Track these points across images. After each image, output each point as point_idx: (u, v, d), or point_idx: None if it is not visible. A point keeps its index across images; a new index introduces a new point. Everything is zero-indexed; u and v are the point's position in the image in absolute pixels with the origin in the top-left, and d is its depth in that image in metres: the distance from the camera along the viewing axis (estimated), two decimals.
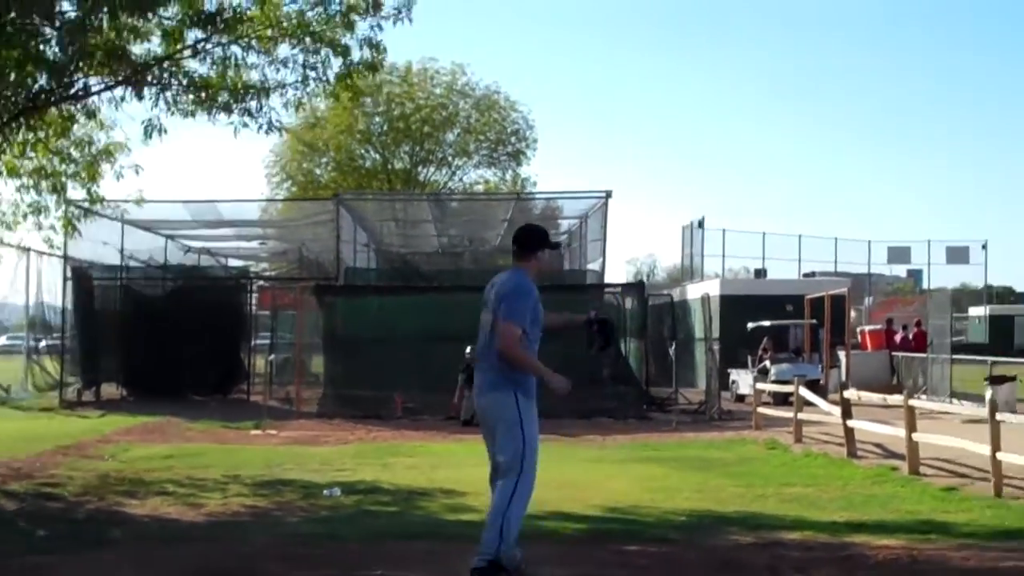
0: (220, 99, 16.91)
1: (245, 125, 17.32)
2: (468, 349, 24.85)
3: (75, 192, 19.50)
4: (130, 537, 11.13)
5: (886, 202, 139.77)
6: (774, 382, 27.23)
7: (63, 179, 19.19)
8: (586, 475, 16.08)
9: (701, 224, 48.78)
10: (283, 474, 16.39)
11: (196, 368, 31.75)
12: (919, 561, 9.35)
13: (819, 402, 19.85)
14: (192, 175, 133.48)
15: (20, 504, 13.48)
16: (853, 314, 54.75)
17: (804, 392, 20.47)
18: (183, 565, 9.19)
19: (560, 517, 12.22)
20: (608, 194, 31.19)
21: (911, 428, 15.62)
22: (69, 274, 32.15)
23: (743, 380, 30.51)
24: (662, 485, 14.91)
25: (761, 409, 23.18)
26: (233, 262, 41.31)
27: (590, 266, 32.81)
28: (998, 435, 13.51)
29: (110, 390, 33.45)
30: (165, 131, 16.94)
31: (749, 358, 31.40)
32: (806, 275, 48.83)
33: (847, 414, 17.87)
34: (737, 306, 35.58)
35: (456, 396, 24.94)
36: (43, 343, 34.94)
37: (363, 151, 53.46)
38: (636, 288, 28.76)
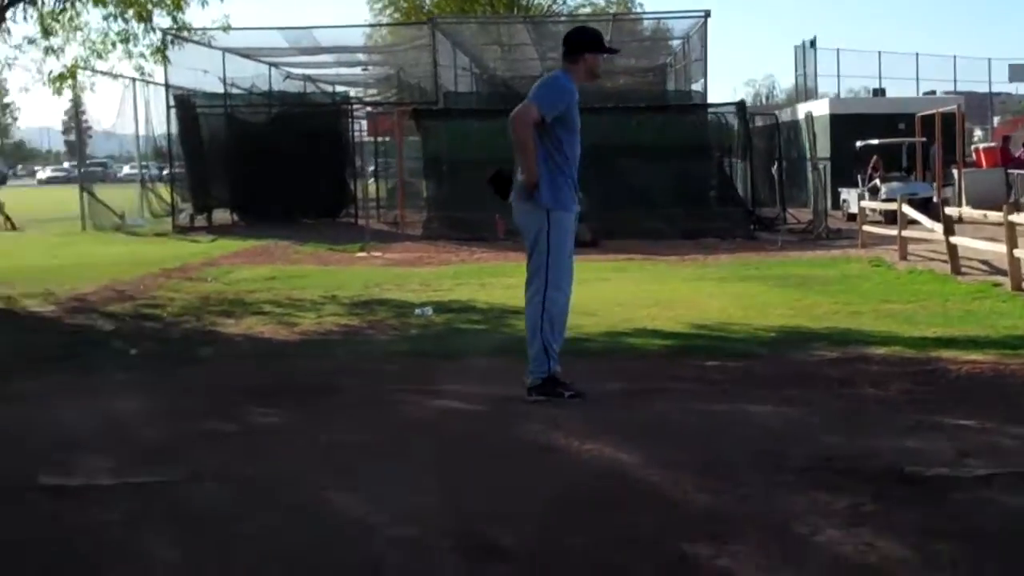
0: None
1: None
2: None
3: (161, 20, 19.57)
4: (219, 355, 11.29)
5: (1006, 18, 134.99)
6: (884, 201, 26.74)
7: (148, 6, 19.23)
8: (682, 293, 15.99)
9: (813, 44, 47.57)
10: (380, 294, 16.50)
11: (304, 193, 32.06)
12: (1003, 376, 9.12)
13: (922, 219, 19.42)
14: (290, 4, 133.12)
15: (119, 324, 13.74)
16: (978, 133, 53.52)
17: (907, 209, 20.04)
18: (259, 380, 9.28)
19: (648, 334, 12.19)
20: (707, 13, 30.47)
21: (1012, 244, 15.22)
22: (172, 102, 32.40)
23: (853, 199, 29.92)
24: (758, 302, 14.77)
25: (868, 228, 22.78)
26: (334, 88, 41.23)
27: (693, 87, 32.23)
28: None
29: (222, 216, 34.01)
30: None
31: (859, 177, 30.81)
32: (926, 94, 47.45)
33: (949, 231, 17.47)
34: (848, 125, 34.79)
35: None
36: (155, 171, 35.59)
37: None
38: (738, 108, 28.15)
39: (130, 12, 19.26)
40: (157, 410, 7.71)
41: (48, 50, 19.70)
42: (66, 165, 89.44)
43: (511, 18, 41.59)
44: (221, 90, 34.54)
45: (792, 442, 6.34)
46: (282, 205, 32.01)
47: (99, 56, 20.14)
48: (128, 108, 33.21)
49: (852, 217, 29.68)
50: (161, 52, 20.50)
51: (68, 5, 18.88)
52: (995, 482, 5.64)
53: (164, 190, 34.24)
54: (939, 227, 17.90)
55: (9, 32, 18.51)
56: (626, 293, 16.07)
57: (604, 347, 11.33)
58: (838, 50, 48.84)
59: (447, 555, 4.84)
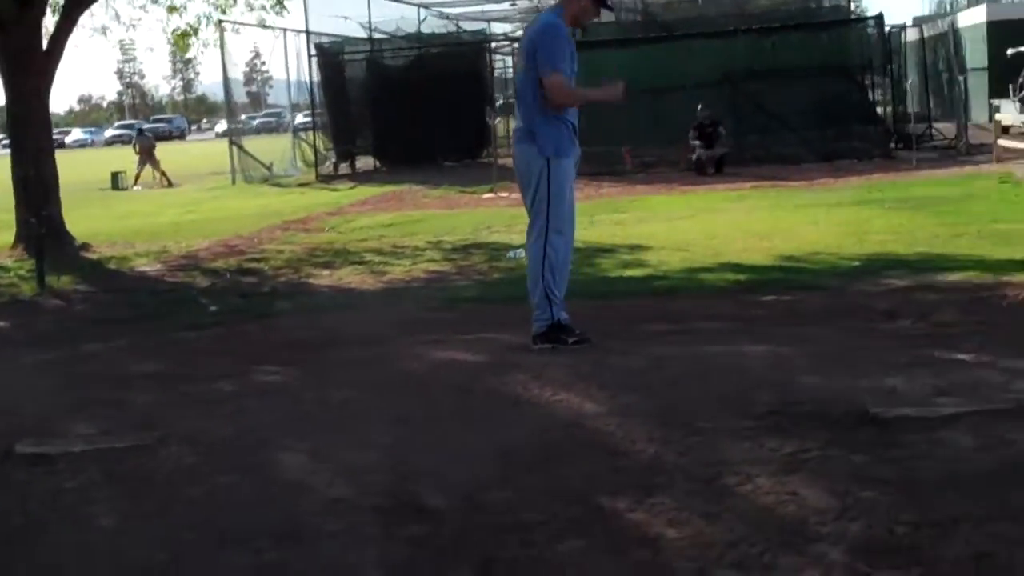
0: None
1: None
2: (699, 107, 24.51)
3: None
4: (293, 309, 11.54)
5: None
6: None
7: None
8: (788, 222, 15.76)
9: None
10: (487, 237, 16.63)
11: (445, 135, 32.26)
12: None
13: None
14: None
15: (215, 280, 14.10)
16: None
17: None
18: (305, 334, 9.45)
19: (728, 268, 12.15)
20: None
21: None
22: (313, 51, 32.87)
23: (1006, 109, 28.82)
24: (860, 229, 14.49)
25: (1004, 142, 22.01)
26: (477, 26, 41.20)
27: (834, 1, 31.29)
28: None
29: (366, 163, 34.50)
30: None
31: (1011, 87, 29.65)
32: None
33: None
34: (1008, 32, 33.37)
35: (684, 150, 24.91)
36: (300, 119, 36.20)
37: None
38: (876, 21, 27.31)
39: None
40: (174, 372, 7.89)
41: (171, 8, 20.18)
42: (243, 117, 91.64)
43: None
44: (365, 35, 34.87)
45: (770, 385, 6.20)
46: (423, 149, 32.31)
47: (222, 11, 20.61)
48: (279, 58, 33.87)
49: (1006, 130, 28.65)
50: (280, 3, 20.79)
51: None
52: (960, 423, 5.44)
53: (315, 138, 34.84)
54: None
55: None
56: (730, 224, 15.92)
57: (671, 284, 11.32)
58: None
59: (366, 515, 4.89)
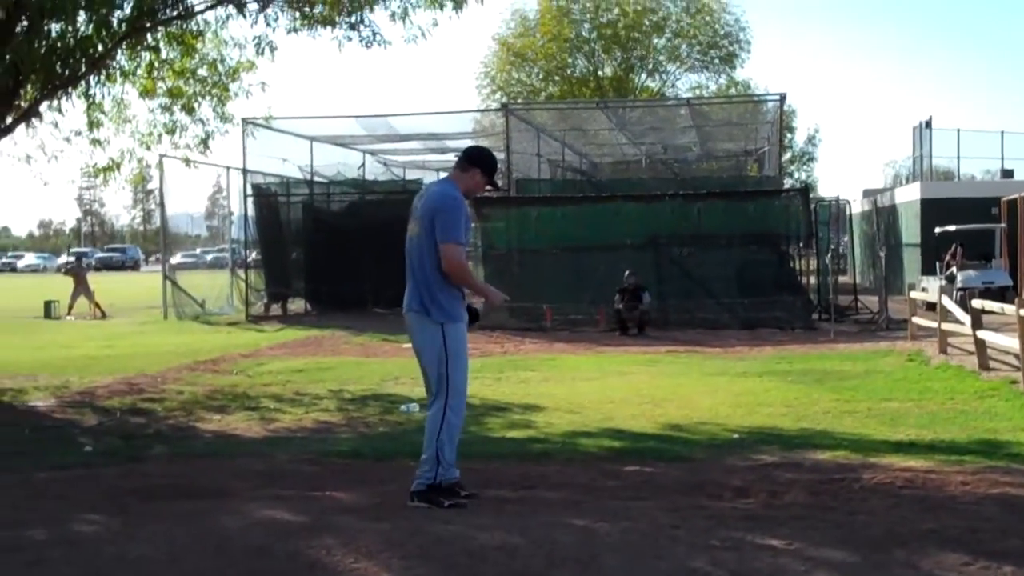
0: (319, 12, 17.14)
1: (349, 39, 17.58)
2: (627, 273, 24.77)
3: (206, 111, 20.03)
4: (165, 455, 11.41)
5: None
6: (959, 290, 26.11)
7: (198, 99, 19.75)
8: (685, 388, 15.81)
9: (928, 124, 46.64)
10: (390, 388, 16.57)
11: (378, 281, 32.30)
12: (907, 487, 8.84)
13: (955, 311, 18.89)
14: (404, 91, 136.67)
15: (103, 419, 13.96)
16: None
17: (946, 302, 19.51)
18: (157, 482, 9.34)
19: (608, 433, 12.20)
20: (782, 97, 30.26)
21: None
22: (249, 191, 33.06)
23: (932, 287, 29.16)
24: (754, 401, 14.51)
25: (919, 320, 22.25)
26: (418, 174, 41.63)
27: (766, 172, 31.95)
28: None
29: (301, 304, 34.53)
30: (275, 48, 17.56)
31: (936, 264, 30.11)
32: None
33: (976, 324, 16.95)
34: (940, 210, 34.00)
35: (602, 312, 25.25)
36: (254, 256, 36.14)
37: (572, 59, 53.19)
38: (801, 193, 27.74)
39: (176, 106, 19.77)
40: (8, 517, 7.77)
41: (94, 142, 20.23)
42: (198, 251, 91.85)
43: (584, 103, 41.69)
44: (304, 177, 35.20)
45: (573, 562, 6.17)
46: (356, 294, 32.39)
47: (147, 147, 20.68)
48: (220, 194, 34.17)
49: (932, 307, 28.97)
50: (204, 143, 20.89)
51: (116, 100, 19.42)
52: None
53: (255, 276, 34.81)
54: (968, 319, 17.38)
55: (56, 125, 18.98)
56: (631, 388, 15.95)
57: (546, 449, 11.29)
58: (958, 130, 47.53)
59: None
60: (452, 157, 41.52)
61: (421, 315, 8.23)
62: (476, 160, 8.67)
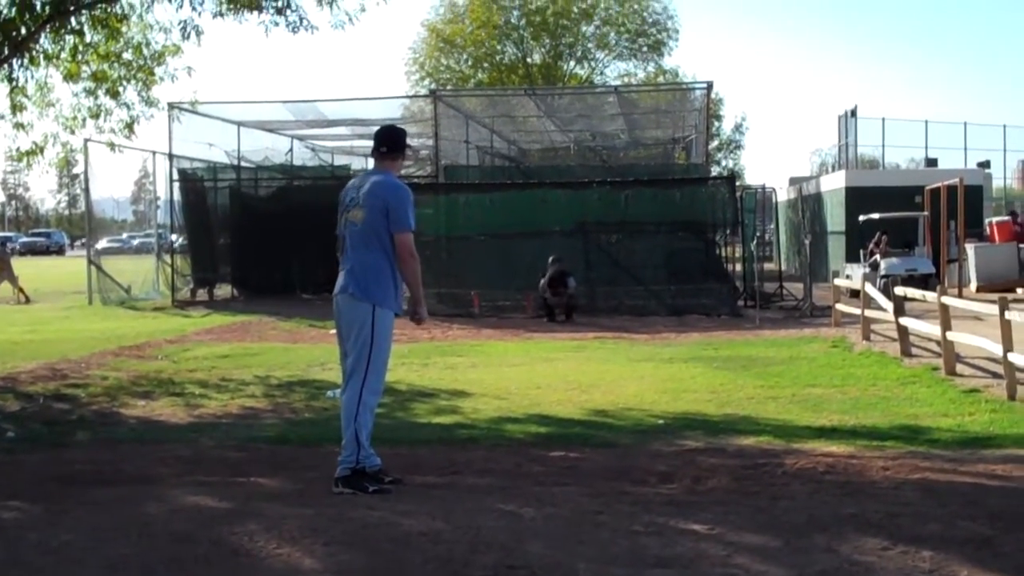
0: None
1: (275, 24, 17.45)
2: (551, 259, 24.79)
3: (131, 95, 19.82)
4: (89, 440, 11.30)
5: None
6: (883, 277, 26.38)
7: (123, 83, 19.53)
8: (611, 375, 15.85)
9: (854, 113, 46.96)
10: (317, 374, 16.49)
11: (304, 266, 32.21)
12: (829, 472, 8.94)
13: (878, 298, 19.09)
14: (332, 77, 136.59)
15: (26, 405, 13.79)
16: None
17: (869, 289, 19.71)
18: (81, 468, 9.25)
19: (534, 419, 12.21)
20: (709, 85, 30.43)
21: (945, 326, 14.93)
22: (176, 176, 32.73)
23: (856, 275, 29.47)
24: (680, 387, 14.58)
25: (842, 306, 22.48)
26: (347, 160, 41.41)
27: (693, 160, 32.11)
28: (1009, 335, 12.82)
29: (228, 290, 34.26)
30: (201, 32, 17.40)
31: (860, 252, 30.42)
32: (980, 164, 46.44)
33: (899, 311, 17.16)
34: (864, 198, 34.30)
35: (530, 298, 25.28)
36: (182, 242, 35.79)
37: (501, 46, 53.22)
38: (727, 181, 27.93)
39: (100, 90, 19.53)
40: None
41: (18, 126, 19.95)
42: (124, 236, 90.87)
43: (512, 89, 41.72)
44: (231, 162, 34.94)
45: (498, 547, 6.18)
46: (284, 280, 32.23)
47: (71, 131, 20.43)
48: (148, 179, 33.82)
49: (856, 294, 29.29)
50: (130, 127, 20.65)
51: (40, 84, 19.17)
52: None
53: (181, 261, 34.43)
54: (890, 306, 17.58)
55: None
56: (558, 374, 15.96)
57: (472, 434, 11.31)
58: (883, 119, 47.87)
59: None
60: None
61: (355, 297, 8.33)
62: (403, 145, 9.00)
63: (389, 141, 8.85)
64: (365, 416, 8.15)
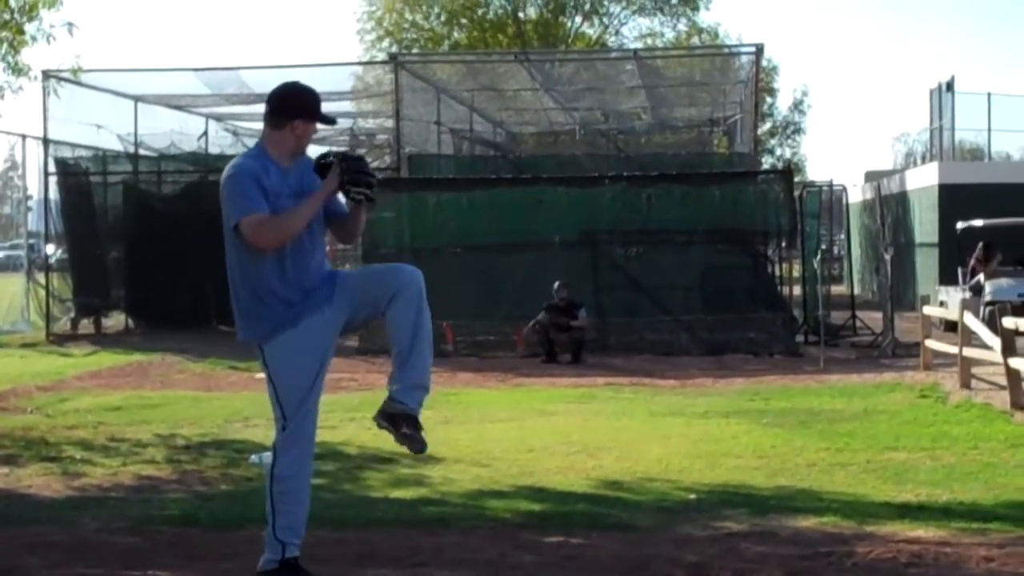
0: None
1: None
2: (556, 285, 24.81)
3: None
4: None
5: None
6: (987, 304, 26.43)
7: None
8: (628, 434, 16.00)
9: (950, 87, 46.74)
10: (237, 432, 16.63)
11: (223, 290, 32.05)
12: (914, 564, 9.00)
13: (982, 332, 19.15)
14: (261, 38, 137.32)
15: None
16: None
17: (969, 320, 19.76)
18: None
19: (525, 493, 12.31)
20: (759, 49, 30.46)
21: None
22: (53, 168, 32.66)
23: (953, 301, 29.42)
24: (719, 449, 14.69)
25: (933, 343, 22.52)
26: None
27: (737, 148, 32.25)
28: None
29: (121, 319, 34.30)
30: None
31: (959, 271, 30.45)
32: None
33: (1008, 350, 17.22)
34: (963, 199, 34.24)
35: (518, 331, 25.27)
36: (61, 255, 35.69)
37: None
38: (782, 177, 27.87)
39: None
40: None
41: None
42: None
43: (500, 54, 41.80)
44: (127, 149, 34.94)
45: None
46: (194, 307, 32.28)
47: None
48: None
49: (952, 326, 29.25)
50: None
51: None
52: None
53: (59, 282, 34.24)
54: (998, 343, 17.65)
55: None
56: (558, 433, 16.06)
57: (443, 513, 11.40)
58: (989, 95, 47.34)
59: None
60: (321, 127, 41.47)
61: (246, 340, 8.26)
62: (291, 109, 8.18)
63: (271, 107, 8.26)
64: (280, 490, 8.07)
